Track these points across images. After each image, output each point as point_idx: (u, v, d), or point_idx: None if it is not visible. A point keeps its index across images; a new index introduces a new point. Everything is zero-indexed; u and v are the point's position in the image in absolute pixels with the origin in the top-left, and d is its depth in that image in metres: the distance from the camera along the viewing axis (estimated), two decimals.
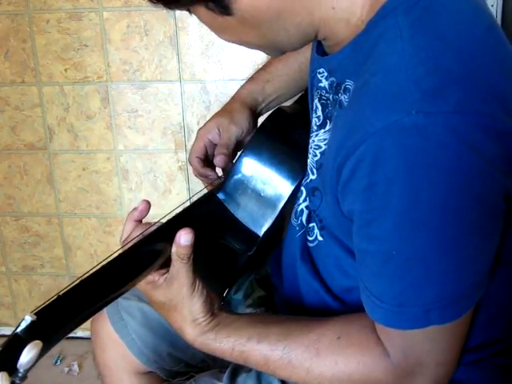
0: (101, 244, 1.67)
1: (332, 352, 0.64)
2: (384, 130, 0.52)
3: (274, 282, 0.89)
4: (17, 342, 0.49)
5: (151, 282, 0.67)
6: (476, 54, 0.55)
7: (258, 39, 0.64)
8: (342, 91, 0.63)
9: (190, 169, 1.54)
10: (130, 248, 0.63)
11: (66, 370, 1.65)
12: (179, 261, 0.65)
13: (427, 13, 0.56)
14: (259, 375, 0.78)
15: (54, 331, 0.52)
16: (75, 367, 1.65)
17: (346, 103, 0.62)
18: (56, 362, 1.66)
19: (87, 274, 0.57)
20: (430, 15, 0.56)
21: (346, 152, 0.56)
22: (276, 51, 0.69)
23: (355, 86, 0.60)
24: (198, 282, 0.67)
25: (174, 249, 0.65)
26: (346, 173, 0.57)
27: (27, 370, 0.49)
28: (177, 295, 0.66)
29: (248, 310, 0.91)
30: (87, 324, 0.94)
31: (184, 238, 0.65)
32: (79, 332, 1.69)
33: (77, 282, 0.56)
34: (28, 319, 0.50)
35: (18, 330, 0.49)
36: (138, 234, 0.67)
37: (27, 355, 0.48)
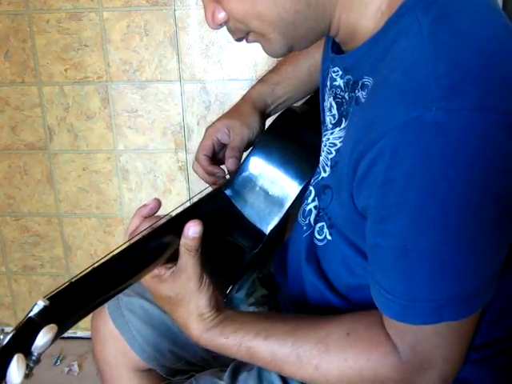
0: (101, 244, 1.67)
1: (341, 348, 0.64)
2: (403, 125, 0.53)
3: (278, 280, 0.90)
4: (31, 326, 0.49)
5: (157, 276, 0.67)
6: (495, 52, 0.55)
7: (274, 8, 0.61)
8: (359, 88, 0.63)
9: (190, 169, 1.55)
10: (140, 239, 0.63)
11: (66, 370, 1.65)
12: (187, 253, 0.65)
13: (446, 10, 0.56)
14: (260, 374, 0.78)
15: (68, 316, 0.52)
16: (75, 367, 1.65)
17: (363, 99, 0.62)
18: (56, 361, 1.66)
19: (98, 263, 0.58)
20: (450, 13, 0.56)
21: (364, 147, 0.56)
22: (286, 36, 0.64)
23: (374, 82, 0.60)
24: (205, 277, 0.67)
25: (182, 241, 0.65)
26: (362, 168, 0.57)
27: (41, 354, 0.49)
28: (184, 289, 0.66)
29: (250, 309, 0.90)
30: (87, 324, 0.94)
31: (193, 229, 0.65)
32: (79, 332, 1.70)
33: (88, 270, 0.57)
34: (41, 304, 0.50)
35: (31, 313, 0.50)
36: (146, 227, 0.67)
37: (43, 338, 0.49)
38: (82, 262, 1.70)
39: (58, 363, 1.67)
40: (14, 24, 1.49)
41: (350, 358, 0.63)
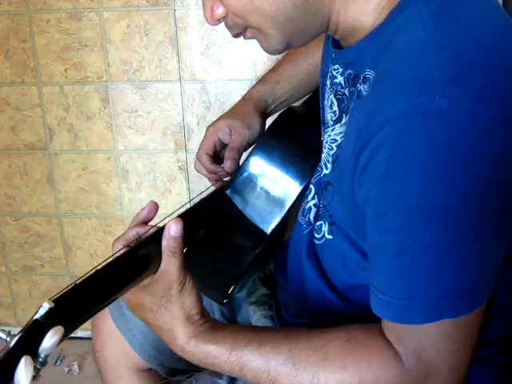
0: (101, 244, 1.67)
1: (341, 355, 0.61)
2: (407, 112, 0.52)
3: (278, 280, 0.89)
4: (37, 328, 0.49)
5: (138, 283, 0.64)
6: (497, 44, 0.55)
7: (272, 2, 0.60)
8: (360, 81, 0.63)
9: (190, 169, 1.55)
10: (144, 240, 0.63)
11: (66, 370, 1.65)
12: (171, 256, 0.63)
13: (448, 3, 0.56)
14: None
15: (74, 317, 0.52)
16: (75, 367, 1.65)
17: (365, 92, 0.61)
18: (56, 362, 1.67)
19: (103, 264, 0.58)
20: (452, 5, 0.56)
21: (366, 137, 0.56)
22: (284, 31, 0.64)
23: (376, 74, 0.60)
24: (189, 278, 0.65)
25: (164, 243, 0.63)
26: (364, 158, 0.57)
27: (47, 356, 0.49)
28: (167, 290, 0.64)
29: (251, 308, 0.90)
30: (87, 324, 0.94)
31: (174, 228, 0.63)
32: (79, 332, 1.69)
33: (92, 271, 0.57)
34: (46, 306, 0.50)
35: (37, 316, 0.50)
36: (134, 233, 0.66)
37: (50, 340, 0.49)
38: (82, 262, 1.70)
39: (58, 363, 1.67)
40: (14, 24, 1.49)
41: (349, 366, 0.60)
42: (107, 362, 0.92)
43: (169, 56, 1.48)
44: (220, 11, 0.64)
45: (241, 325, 0.69)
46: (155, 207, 0.70)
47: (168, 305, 0.64)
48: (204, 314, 0.67)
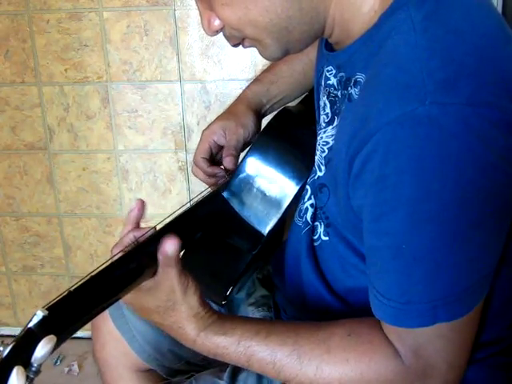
0: (101, 244, 1.67)
1: (343, 349, 0.62)
2: (398, 119, 0.53)
3: (276, 281, 0.89)
4: (30, 337, 0.49)
5: (140, 288, 0.64)
6: (488, 48, 0.55)
7: (266, 14, 0.61)
8: (351, 85, 0.63)
9: (190, 169, 1.55)
10: (138, 245, 0.63)
11: (66, 370, 1.65)
12: (167, 267, 0.63)
13: (439, 6, 0.56)
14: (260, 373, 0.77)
15: (67, 326, 0.52)
16: (75, 367, 1.65)
17: (356, 96, 0.62)
18: (56, 362, 1.67)
19: (97, 270, 0.57)
20: (443, 8, 0.56)
21: (358, 143, 0.56)
22: (280, 40, 0.65)
23: (366, 78, 0.60)
24: (190, 279, 0.65)
25: (159, 257, 0.63)
26: (357, 165, 0.57)
27: (40, 365, 0.49)
28: (171, 294, 0.64)
29: (250, 309, 0.91)
30: (87, 324, 0.94)
31: (171, 248, 0.62)
32: (79, 332, 1.69)
33: (87, 278, 0.56)
34: (40, 314, 0.50)
35: (31, 324, 0.50)
36: (131, 237, 0.66)
37: (42, 350, 0.48)
38: (82, 262, 1.70)
39: (58, 363, 1.67)
40: (14, 24, 1.49)
41: (351, 359, 0.62)
42: (107, 362, 0.92)
43: (169, 56, 1.48)
44: (217, 23, 0.65)
45: (247, 317, 0.69)
46: (143, 204, 0.69)
47: (175, 306, 0.65)
48: (210, 308, 0.68)
